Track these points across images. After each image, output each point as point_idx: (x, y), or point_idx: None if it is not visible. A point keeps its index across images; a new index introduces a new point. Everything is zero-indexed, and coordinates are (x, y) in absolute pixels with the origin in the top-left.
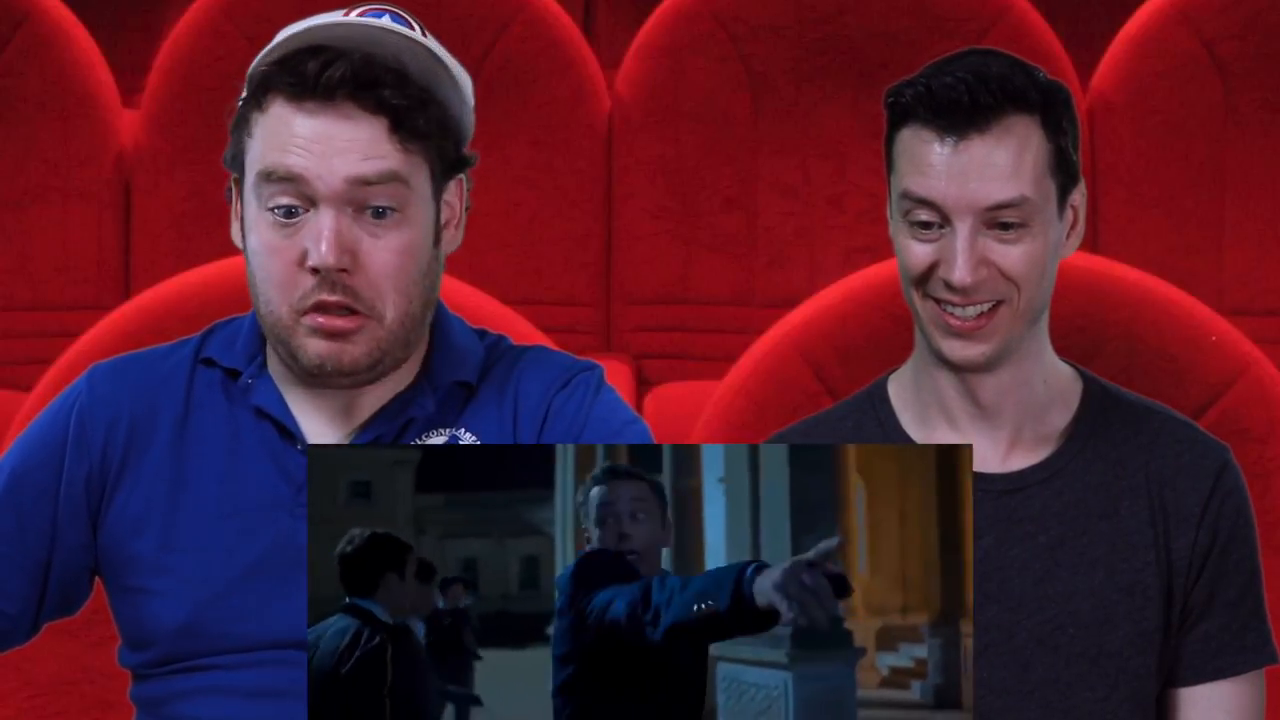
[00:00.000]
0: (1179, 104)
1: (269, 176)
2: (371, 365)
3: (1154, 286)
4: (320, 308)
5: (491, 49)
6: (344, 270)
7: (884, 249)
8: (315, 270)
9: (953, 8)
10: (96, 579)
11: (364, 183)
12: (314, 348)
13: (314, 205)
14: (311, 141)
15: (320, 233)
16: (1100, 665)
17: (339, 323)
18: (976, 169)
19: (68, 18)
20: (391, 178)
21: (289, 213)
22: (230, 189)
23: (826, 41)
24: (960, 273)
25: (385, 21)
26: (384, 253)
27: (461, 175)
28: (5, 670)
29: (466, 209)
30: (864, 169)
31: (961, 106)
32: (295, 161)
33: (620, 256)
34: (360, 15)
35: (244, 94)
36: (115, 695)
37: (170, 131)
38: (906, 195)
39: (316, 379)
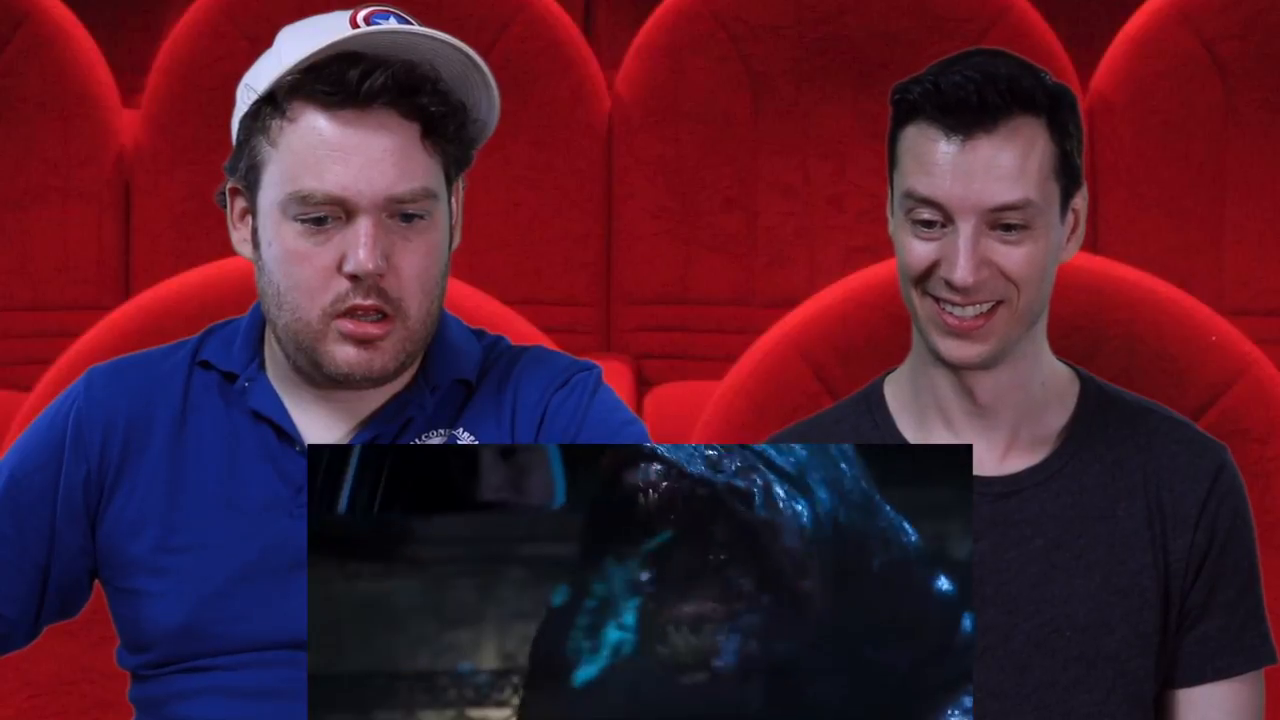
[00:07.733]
0: (1179, 104)
1: (306, 200)
2: (398, 370)
3: (1154, 286)
4: (353, 312)
5: (491, 49)
6: (380, 275)
7: (884, 249)
8: (353, 276)
9: (953, 8)
10: (96, 581)
11: (399, 200)
12: (342, 355)
13: (348, 214)
14: (348, 153)
15: (359, 239)
16: (1098, 668)
17: (371, 329)
18: (982, 169)
19: (68, 18)
20: (425, 195)
21: (319, 221)
22: (224, 194)
23: (826, 41)
24: (962, 273)
25: (415, 26)
26: (413, 255)
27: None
28: (5, 671)
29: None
30: (864, 169)
31: (970, 105)
32: (333, 184)
33: (620, 256)
34: (366, 19)
35: (256, 103)
36: (115, 695)
37: (170, 131)
38: (910, 194)
39: (339, 385)
